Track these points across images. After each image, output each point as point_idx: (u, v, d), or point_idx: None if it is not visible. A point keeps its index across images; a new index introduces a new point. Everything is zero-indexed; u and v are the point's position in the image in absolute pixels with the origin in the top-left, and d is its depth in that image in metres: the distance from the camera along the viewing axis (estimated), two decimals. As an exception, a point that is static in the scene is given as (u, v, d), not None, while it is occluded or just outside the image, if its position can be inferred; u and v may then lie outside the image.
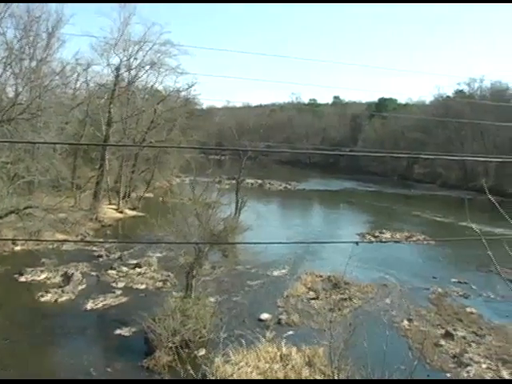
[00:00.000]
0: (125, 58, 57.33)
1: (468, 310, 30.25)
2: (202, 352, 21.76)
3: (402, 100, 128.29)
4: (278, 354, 21.22)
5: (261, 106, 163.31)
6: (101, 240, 43.71)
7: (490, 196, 7.09)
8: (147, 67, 60.32)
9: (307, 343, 22.18)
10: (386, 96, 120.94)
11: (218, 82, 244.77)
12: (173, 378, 18.00)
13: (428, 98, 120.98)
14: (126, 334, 24.26)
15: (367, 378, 13.68)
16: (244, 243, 38.16)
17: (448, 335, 25.90)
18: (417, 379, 21.47)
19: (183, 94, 69.28)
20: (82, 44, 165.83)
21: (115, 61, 57.08)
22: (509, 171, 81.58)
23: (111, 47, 55.53)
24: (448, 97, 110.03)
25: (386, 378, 13.25)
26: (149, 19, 63.81)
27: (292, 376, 19.72)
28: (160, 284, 32.31)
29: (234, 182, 52.07)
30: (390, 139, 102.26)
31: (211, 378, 17.49)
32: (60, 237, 39.45)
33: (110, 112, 53.77)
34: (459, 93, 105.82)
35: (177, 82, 66.02)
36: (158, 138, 60.54)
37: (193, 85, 65.01)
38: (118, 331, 24.43)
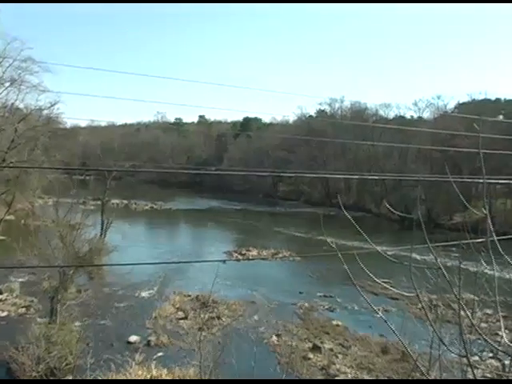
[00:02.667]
0: (-18, 74, 54.77)
1: (334, 322, 31.63)
2: (69, 379, 21.22)
3: (266, 119, 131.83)
4: (149, 376, 21.10)
5: (126, 125, 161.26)
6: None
7: (345, 212, 7.56)
8: (7, 84, 58.13)
9: (178, 364, 22.24)
10: (251, 115, 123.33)
11: (82, 101, 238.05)
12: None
13: (291, 117, 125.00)
14: (-14, 365, 23.16)
15: None
16: (110, 265, 37.76)
17: (316, 348, 26.93)
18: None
19: (45, 112, 67.29)
20: None
21: (-28, 76, 54.39)
22: (369, 188, 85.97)
23: (-33, 62, 52.88)
24: (310, 116, 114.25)
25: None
26: (9, 34, 60.64)
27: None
28: (23, 310, 31.15)
29: (99, 202, 51.21)
30: (254, 158, 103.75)
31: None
32: None
33: (-34, 130, 51.26)
34: (321, 113, 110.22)
35: (39, 100, 63.66)
36: (20, 157, 58.33)
37: (55, 103, 63.42)
38: (-23, 363, 23.27)
